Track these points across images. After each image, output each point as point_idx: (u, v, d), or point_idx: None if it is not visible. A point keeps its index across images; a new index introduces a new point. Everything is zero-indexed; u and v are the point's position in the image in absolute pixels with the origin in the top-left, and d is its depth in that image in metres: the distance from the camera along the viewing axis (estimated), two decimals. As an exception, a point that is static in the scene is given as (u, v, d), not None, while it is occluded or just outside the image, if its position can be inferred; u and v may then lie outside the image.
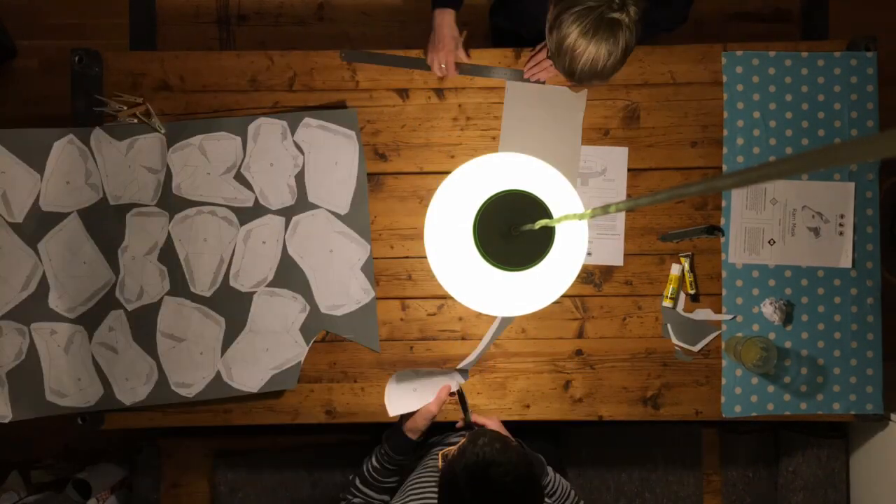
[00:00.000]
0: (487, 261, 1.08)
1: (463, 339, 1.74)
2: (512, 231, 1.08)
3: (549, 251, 1.08)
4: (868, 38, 1.73)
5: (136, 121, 1.72)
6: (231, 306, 1.71)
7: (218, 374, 1.70)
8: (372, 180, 1.74)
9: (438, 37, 1.64)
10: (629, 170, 1.74)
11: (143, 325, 1.70)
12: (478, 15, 2.21)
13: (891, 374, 1.74)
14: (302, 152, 1.70)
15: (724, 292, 1.72)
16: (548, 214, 1.07)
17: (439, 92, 1.74)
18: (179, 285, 1.70)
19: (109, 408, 1.70)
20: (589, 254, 1.73)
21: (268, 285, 1.71)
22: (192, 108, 1.74)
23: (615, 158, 1.73)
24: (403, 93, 1.74)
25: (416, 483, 1.47)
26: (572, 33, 1.30)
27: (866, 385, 1.72)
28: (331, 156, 1.71)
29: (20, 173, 1.67)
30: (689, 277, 1.72)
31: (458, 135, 1.74)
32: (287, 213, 1.71)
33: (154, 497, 2.14)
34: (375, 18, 2.47)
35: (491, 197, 1.08)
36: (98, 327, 1.69)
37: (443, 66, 1.67)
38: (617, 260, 1.74)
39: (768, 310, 1.70)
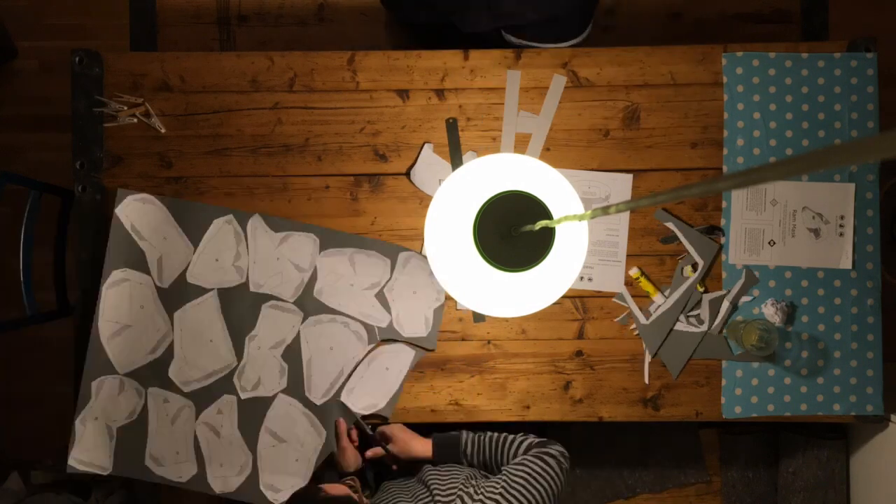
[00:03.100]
0: (487, 261, 1.08)
1: (463, 339, 1.74)
2: (512, 232, 1.08)
3: (549, 252, 1.08)
4: (868, 39, 1.73)
5: (135, 121, 1.72)
6: (335, 422, 1.70)
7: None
8: (372, 181, 1.74)
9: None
10: (629, 170, 1.74)
11: (252, 416, 1.69)
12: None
13: (891, 376, 1.74)
14: None
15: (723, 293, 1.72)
16: (548, 215, 1.07)
17: (439, 93, 1.74)
18: (296, 386, 1.69)
19: (199, 490, 1.69)
20: (590, 279, 1.73)
21: (376, 412, 1.70)
22: (193, 109, 1.74)
23: (619, 186, 1.73)
24: (404, 93, 1.74)
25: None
26: None
27: (866, 386, 1.72)
28: None
29: (178, 242, 1.69)
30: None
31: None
32: (417, 343, 1.71)
33: (154, 497, 2.14)
34: (375, 19, 2.47)
35: (491, 198, 1.08)
36: (208, 407, 1.69)
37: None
38: (618, 287, 1.73)
39: (769, 311, 1.70)
